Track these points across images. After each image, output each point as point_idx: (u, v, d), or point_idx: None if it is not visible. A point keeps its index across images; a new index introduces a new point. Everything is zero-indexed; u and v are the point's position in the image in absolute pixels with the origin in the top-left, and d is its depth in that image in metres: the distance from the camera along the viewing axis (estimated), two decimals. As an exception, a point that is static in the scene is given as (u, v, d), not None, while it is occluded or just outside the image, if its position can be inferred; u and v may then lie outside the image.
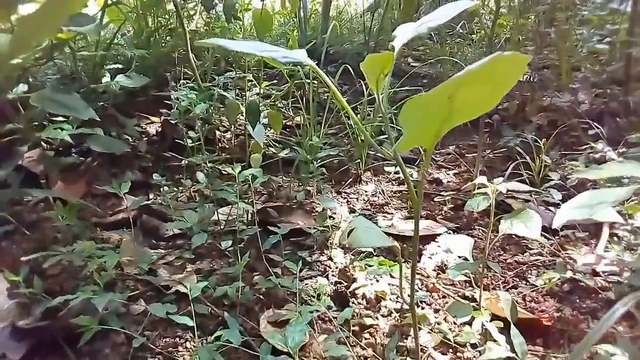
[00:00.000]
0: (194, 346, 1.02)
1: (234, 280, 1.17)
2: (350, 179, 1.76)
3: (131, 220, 1.33)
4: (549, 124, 2.10)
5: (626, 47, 2.09)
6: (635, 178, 1.02)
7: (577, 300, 1.16)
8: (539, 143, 1.72)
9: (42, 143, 1.55)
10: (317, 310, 1.02)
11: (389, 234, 1.43)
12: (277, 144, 1.91)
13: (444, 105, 0.48)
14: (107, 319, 1.02)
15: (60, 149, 1.67)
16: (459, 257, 1.31)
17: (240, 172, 1.27)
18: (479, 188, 1.05)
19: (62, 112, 1.30)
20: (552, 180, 1.63)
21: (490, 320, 1.04)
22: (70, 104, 1.30)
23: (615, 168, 1.04)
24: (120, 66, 1.79)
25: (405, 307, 1.12)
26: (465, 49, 3.26)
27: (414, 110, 0.47)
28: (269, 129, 1.74)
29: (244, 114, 1.57)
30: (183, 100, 1.37)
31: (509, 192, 1.54)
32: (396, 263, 1.16)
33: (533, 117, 2.18)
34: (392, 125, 1.92)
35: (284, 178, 1.70)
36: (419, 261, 1.34)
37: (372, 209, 1.59)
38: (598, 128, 1.91)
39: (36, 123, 1.57)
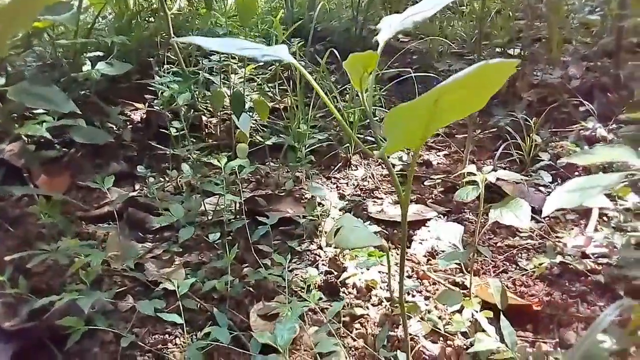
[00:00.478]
0: (184, 342, 1.01)
1: (223, 274, 1.16)
2: (340, 164, 1.74)
3: (117, 213, 1.31)
4: (539, 100, 2.08)
5: (618, 19, 2.05)
6: (625, 163, 1.01)
7: (567, 284, 1.17)
8: (530, 122, 1.70)
9: (23, 136, 1.51)
10: (307, 305, 1.02)
11: (379, 221, 1.42)
12: (264, 129, 1.87)
13: (430, 110, 0.46)
14: (94, 318, 1.01)
15: (42, 140, 1.64)
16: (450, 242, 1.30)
17: (226, 163, 1.25)
18: (468, 175, 1.04)
19: (41, 105, 1.26)
20: (543, 160, 1.62)
21: (481, 308, 1.04)
22: (49, 97, 1.26)
23: (604, 153, 1.02)
24: (101, 53, 1.74)
25: (396, 295, 1.12)
26: (455, 22, 3.21)
27: (398, 118, 0.45)
28: (255, 114, 1.71)
29: (229, 99, 1.54)
30: (165, 91, 1.33)
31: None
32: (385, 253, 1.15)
33: (524, 93, 2.16)
34: (380, 108, 1.89)
35: (272, 165, 1.68)
36: (409, 247, 1.33)
37: (362, 194, 1.58)
38: (589, 105, 1.89)
39: (16, 115, 1.53)
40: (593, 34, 2.55)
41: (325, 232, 1.35)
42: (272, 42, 1.84)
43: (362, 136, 1.81)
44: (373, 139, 1.83)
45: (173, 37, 1.46)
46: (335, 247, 1.28)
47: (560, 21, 2.38)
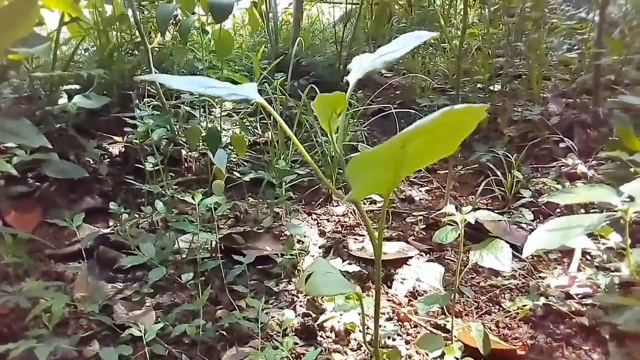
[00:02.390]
0: (151, 392, 0.96)
1: (195, 316, 1.11)
2: (321, 199, 1.71)
3: (85, 252, 1.26)
4: (520, 136, 2.09)
5: (595, 57, 2.09)
6: (605, 203, 0.99)
7: (551, 326, 1.13)
8: (510, 158, 1.70)
9: (-7, 170, 1.47)
10: (281, 353, 0.97)
11: (359, 259, 1.39)
12: (245, 164, 1.85)
13: (394, 158, 0.44)
14: (55, 367, 0.95)
15: (14, 175, 1.59)
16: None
17: (201, 200, 1.21)
18: (448, 216, 1.01)
19: (10, 140, 1.22)
20: (524, 197, 1.61)
21: (463, 353, 1.00)
22: (18, 131, 1.22)
23: (584, 193, 1.01)
24: (78, 86, 1.71)
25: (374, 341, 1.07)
26: (438, 59, 3.26)
27: (362, 165, 0.43)
28: (233, 150, 1.68)
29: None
30: (140, 126, 1.30)
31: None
32: (365, 295, 1.12)
33: (504, 129, 2.17)
34: (362, 144, 1.88)
35: (251, 200, 1.65)
36: (389, 287, 1.29)
37: (342, 231, 1.54)
38: (569, 141, 1.90)
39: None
40: (572, 71, 2.60)
41: (304, 271, 1.31)
42: (254, 77, 1.83)
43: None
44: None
45: (137, 75, 1.45)
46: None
47: (539, 59, 2.43)
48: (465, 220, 0.95)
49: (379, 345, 0.83)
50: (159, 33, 2.15)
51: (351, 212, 1.66)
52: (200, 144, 1.91)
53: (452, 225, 1.01)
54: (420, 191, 1.82)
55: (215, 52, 2.10)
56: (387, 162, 0.43)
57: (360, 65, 0.63)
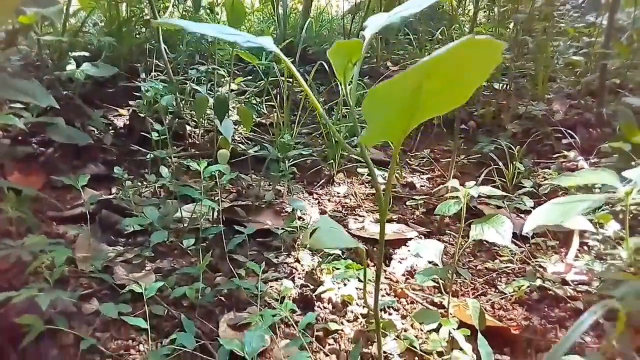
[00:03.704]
0: (148, 349, 0.96)
1: (195, 281, 1.11)
2: (323, 180, 1.72)
3: (89, 215, 1.26)
4: (523, 132, 2.10)
5: (601, 59, 2.10)
6: (607, 187, 1.00)
7: (546, 309, 1.15)
8: (513, 150, 1.71)
9: (-1, 130, 1.48)
10: (279, 315, 0.98)
11: (359, 237, 1.40)
12: (249, 142, 1.86)
13: (410, 97, 0.44)
14: (55, 319, 0.95)
15: (20, 138, 1.59)
16: (429, 262, 1.28)
17: (206, 167, 1.22)
18: (451, 191, 1.02)
19: (19, 98, 1.22)
20: (525, 187, 1.62)
21: (458, 328, 1.01)
22: (28, 90, 1.22)
23: (587, 176, 1.02)
24: (87, 54, 1.72)
25: (372, 312, 1.08)
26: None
27: (377, 100, 0.43)
28: (240, 126, 1.69)
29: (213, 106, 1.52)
30: (148, 91, 1.31)
31: (481, 198, 1.52)
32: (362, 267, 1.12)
33: (508, 124, 2.18)
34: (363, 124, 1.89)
35: (254, 176, 1.66)
36: (388, 265, 1.30)
37: (343, 211, 1.55)
38: (572, 137, 1.91)
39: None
40: (577, 74, 2.61)
41: (303, 246, 1.32)
42: (262, 55, 1.84)
43: (346, 154, 1.80)
44: (357, 158, 1.82)
45: (155, 20, 1.45)
46: (312, 260, 1.25)
47: (546, 60, 2.44)
48: (468, 194, 0.96)
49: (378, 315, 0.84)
50: (168, 9, 2.16)
51: (352, 194, 1.67)
52: (205, 121, 1.92)
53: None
54: (421, 178, 1.83)
55: (226, 24, 2.10)
56: (401, 103, 0.44)
57: (376, 22, 0.64)
